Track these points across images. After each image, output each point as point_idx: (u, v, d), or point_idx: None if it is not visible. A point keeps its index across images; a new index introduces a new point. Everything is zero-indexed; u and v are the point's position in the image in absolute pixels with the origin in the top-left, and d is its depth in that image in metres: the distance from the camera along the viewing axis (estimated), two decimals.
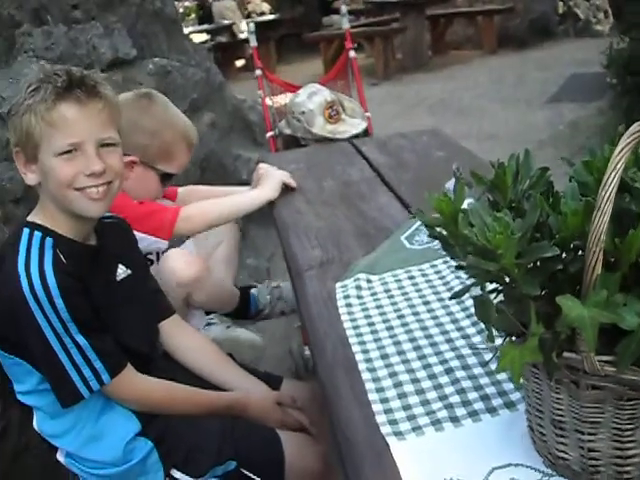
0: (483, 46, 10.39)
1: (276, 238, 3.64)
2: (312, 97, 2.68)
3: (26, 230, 1.56)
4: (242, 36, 11.53)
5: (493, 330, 0.94)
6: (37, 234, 1.55)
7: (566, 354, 0.84)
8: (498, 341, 0.95)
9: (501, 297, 0.94)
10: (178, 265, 2.17)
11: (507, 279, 0.90)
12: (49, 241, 1.54)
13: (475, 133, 6.22)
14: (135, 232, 1.91)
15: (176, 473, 1.67)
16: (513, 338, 0.94)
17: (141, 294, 1.81)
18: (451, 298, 1.04)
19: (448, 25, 10.88)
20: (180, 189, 2.39)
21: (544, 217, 0.88)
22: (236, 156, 4.32)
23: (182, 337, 1.92)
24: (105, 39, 3.82)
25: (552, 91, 7.09)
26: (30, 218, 1.61)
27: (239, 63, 11.74)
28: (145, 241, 1.97)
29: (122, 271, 1.75)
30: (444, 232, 0.96)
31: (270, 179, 2.21)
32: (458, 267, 0.99)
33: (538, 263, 0.86)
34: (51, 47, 3.55)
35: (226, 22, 11.97)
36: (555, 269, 0.84)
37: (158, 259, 2.28)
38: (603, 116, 5.92)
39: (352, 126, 2.71)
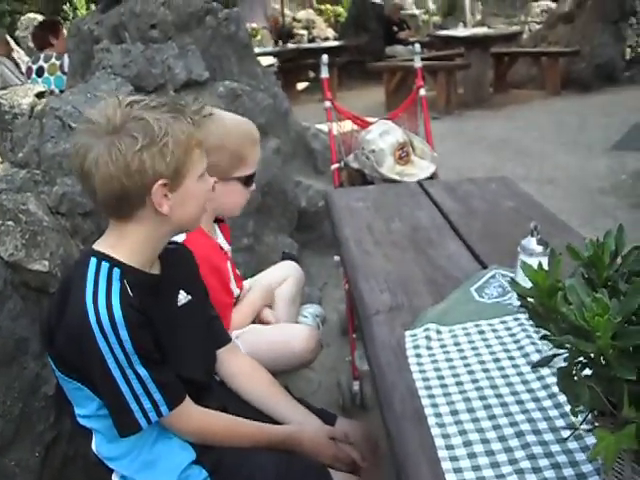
0: (545, 87, 10.35)
1: (330, 267, 3.64)
2: (384, 136, 2.68)
3: (93, 260, 1.56)
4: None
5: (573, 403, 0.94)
6: (105, 264, 1.55)
7: None
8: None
9: (586, 371, 0.94)
10: (301, 347, 2.20)
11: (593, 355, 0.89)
12: (117, 272, 1.55)
13: (535, 176, 6.16)
14: None
15: None
16: (595, 413, 0.93)
17: (200, 320, 1.83)
18: (533, 367, 1.03)
19: (512, 64, 10.88)
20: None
21: None
22: (297, 183, 4.35)
23: (238, 366, 1.94)
24: (180, 60, 3.88)
25: (615, 138, 7.01)
26: (97, 247, 1.61)
27: (300, 86, 11.88)
28: None
29: (183, 297, 1.77)
30: (534, 302, 0.96)
31: None
32: (543, 337, 0.99)
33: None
34: (128, 64, 3.63)
35: (290, 46, 12.16)
36: None
37: None
38: None
39: (421, 169, 2.70)
